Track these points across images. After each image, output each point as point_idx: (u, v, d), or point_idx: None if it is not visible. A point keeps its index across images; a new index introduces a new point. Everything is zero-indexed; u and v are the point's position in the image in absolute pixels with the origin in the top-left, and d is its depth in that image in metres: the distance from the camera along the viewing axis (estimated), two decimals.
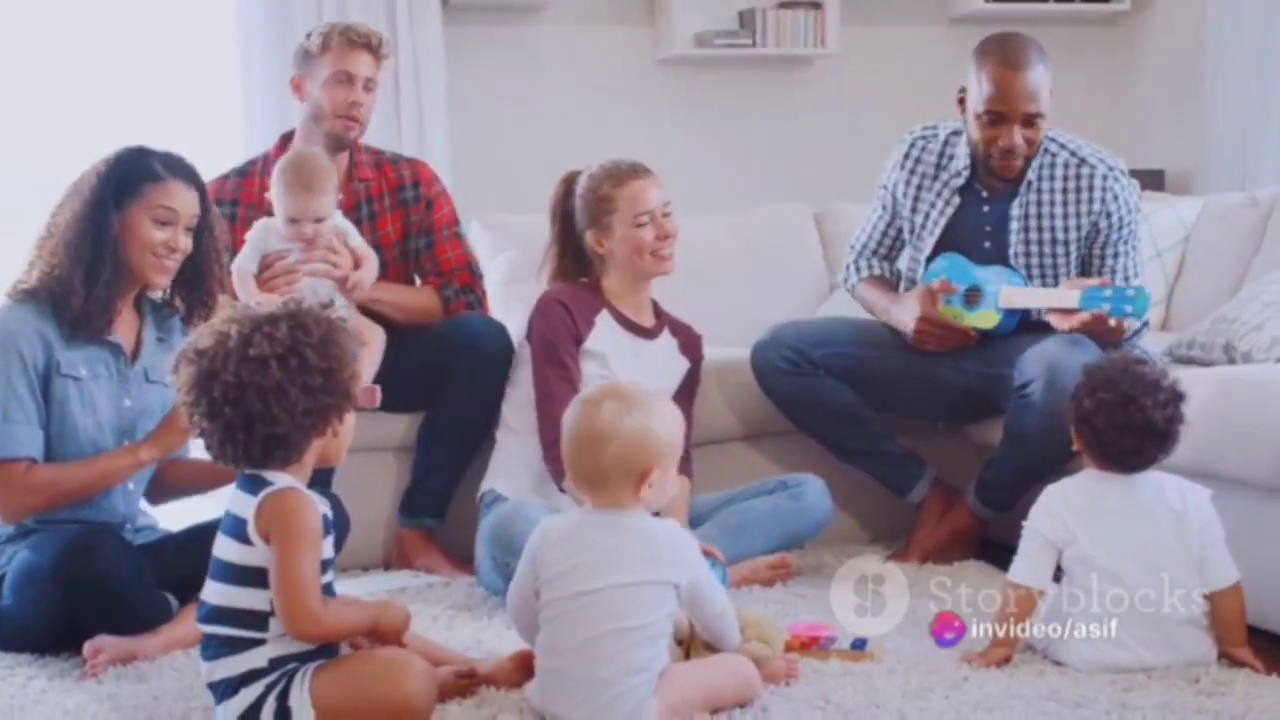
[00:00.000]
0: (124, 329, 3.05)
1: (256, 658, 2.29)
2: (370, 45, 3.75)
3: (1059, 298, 3.41)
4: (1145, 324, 3.57)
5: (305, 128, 3.80)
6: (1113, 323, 3.31)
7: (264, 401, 2.27)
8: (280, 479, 2.32)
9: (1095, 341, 3.38)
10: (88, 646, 2.76)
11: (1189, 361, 3.58)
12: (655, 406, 2.46)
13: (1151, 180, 5.32)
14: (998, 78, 3.41)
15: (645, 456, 2.41)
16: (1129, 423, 2.69)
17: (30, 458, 2.90)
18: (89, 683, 2.69)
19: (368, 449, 3.65)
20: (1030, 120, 3.44)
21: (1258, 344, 3.42)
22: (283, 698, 2.28)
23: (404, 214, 3.86)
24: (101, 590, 2.78)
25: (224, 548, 2.33)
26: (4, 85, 5.02)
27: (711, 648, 2.57)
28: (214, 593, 2.33)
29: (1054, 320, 3.41)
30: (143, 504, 3.15)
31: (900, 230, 3.80)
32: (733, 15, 5.59)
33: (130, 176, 2.96)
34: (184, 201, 2.99)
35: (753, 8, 5.53)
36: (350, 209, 3.78)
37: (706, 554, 3.24)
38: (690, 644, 2.60)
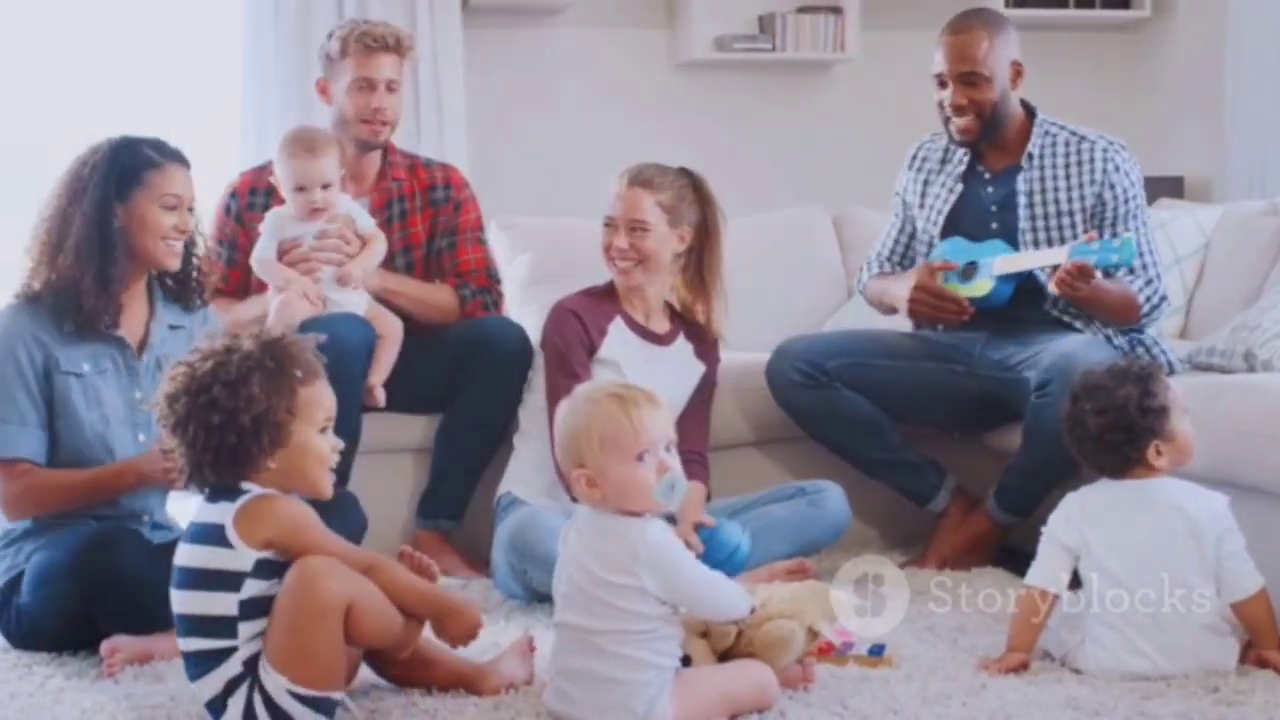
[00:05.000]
0: (132, 321, 3.08)
1: (232, 665, 2.31)
2: (389, 46, 3.72)
3: (1047, 256, 3.48)
4: (1162, 299, 3.57)
5: (334, 130, 3.78)
6: (1099, 274, 3.35)
7: (173, 436, 2.35)
8: (253, 487, 2.36)
9: (1111, 322, 3.47)
10: (105, 646, 2.77)
11: (1209, 369, 3.57)
12: (595, 402, 2.41)
13: (1171, 187, 5.30)
14: (940, 42, 3.62)
15: (569, 454, 2.42)
16: (1068, 422, 2.76)
17: (26, 459, 2.93)
18: (106, 682, 2.70)
19: (386, 450, 3.66)
20: (968, 79, 3.56)
21: (1278, 352, 3.40)
22: (262, 689, 2.28)
23: (433, 214, 3.87)
24: (119, 589, 2.78)
25: (191, 554, 2.35)
26: (3, 83, 5.05)
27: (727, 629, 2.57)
28: (181, 601, 2.35)
29: (1050, 284, 3.43)
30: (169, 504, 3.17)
31: (914, 235, 3.85)
32: (752, 19, 5.59)
33: (129, 167, 2.99)
34: (185, 184, 3.05)
35: (772, 12, 5.53)
36: (381, 207, 3.80)
37: (701, 526, 3.22)
38: (709, 632, 2.58)
